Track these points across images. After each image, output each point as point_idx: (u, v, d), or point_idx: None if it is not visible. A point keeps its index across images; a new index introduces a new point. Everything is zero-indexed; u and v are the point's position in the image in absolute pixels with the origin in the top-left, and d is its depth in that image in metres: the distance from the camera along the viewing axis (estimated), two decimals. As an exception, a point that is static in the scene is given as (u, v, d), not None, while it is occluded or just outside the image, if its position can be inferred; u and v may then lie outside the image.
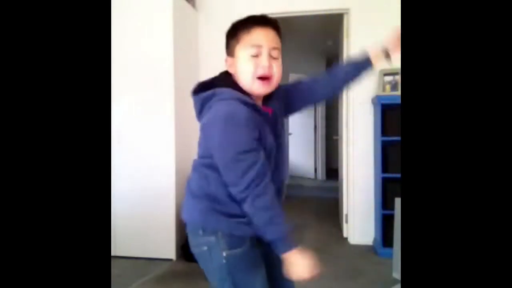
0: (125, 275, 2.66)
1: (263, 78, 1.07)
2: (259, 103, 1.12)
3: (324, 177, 7.06)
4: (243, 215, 1.06)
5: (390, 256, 2.29)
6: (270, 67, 1.06)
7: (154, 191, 2.95)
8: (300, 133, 6.80)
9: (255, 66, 1.06)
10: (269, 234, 1.01)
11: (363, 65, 1.23)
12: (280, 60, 1.10)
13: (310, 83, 1.25)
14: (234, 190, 1.02)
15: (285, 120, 1.21)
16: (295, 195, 5.41)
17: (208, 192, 1.10)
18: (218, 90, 1.07)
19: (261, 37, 1.06)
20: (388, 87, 3.15)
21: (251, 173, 0.99)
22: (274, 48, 1.07)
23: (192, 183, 1.16)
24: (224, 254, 1.08)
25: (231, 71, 1.12)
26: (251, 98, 1.07)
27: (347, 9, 3.35)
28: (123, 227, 2.99)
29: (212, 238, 1.09)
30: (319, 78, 1.26)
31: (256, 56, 1.06)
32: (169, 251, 2.97)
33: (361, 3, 3.30)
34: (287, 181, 1.37)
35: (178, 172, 2.96)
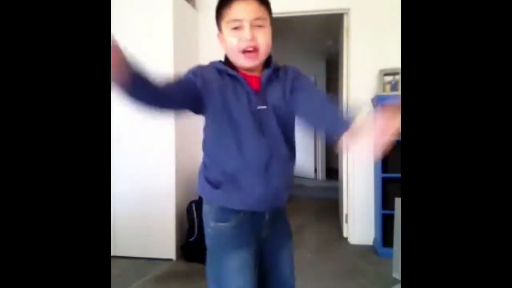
0: (125, 275, 2.66)
1: (247, 51, 1.06)
2: (255, 73, 1.11)
3: (324, 177, 7.06)
4: (224, 185, 1.08)
5: (390, 256, 2.29)
6: (253, 39, 1.05)
7: (154, 191, 2.95)
8: (300, 133, 6.82)
9: (238, 40, 1.05)
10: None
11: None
12: (267, 27, 1.08)
13: (306, 104, 1.09)
14: None
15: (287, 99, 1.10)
16: (295, 195, 5.41)
17: (204, 167, 1.15)
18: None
19: (241, 10, 1.04)
20: (388, 87, 3.15)
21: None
22: (257, 19, 1.05)
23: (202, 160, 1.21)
24: (211, 224, 1.12)
25: (222, 47, 1.13)
26: (236, 70, 1.09)
27: (347, 9, 3.35)
28: (123, 227, 2.98)
29: (207, 207, 1.14)
30: (314, 107, 1.08)
31: (238, 28, 1.05)
32: (169, 251, 2.97)
33: (361, 3, 3.30)
34: (288, 164, 1.17)
35: (178, 172, 2.96)
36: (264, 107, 1.08)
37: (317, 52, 6.80)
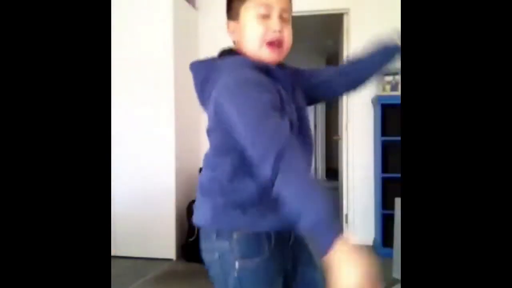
0: (125, 275, 2.66)
1: (273, 44, 0.91)
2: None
3: (324, 177, 7.06)
4: (259, 202, 0.87)
5: (390, 256, 2.29)
6: (282, 31, 0.91)
7: (154, 191, 2.95)
8: (300, 133, 6.81)
9: (265, 29, 0.90)
10: (306, 217, 0.71)
11: (390, 50, 1.10)
12: (289, 23, 0.95)
13: (332, 75, 1.10)
14: (264, 168, 0.77)
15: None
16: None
17: (220, 184, 0.91)
18: (219, 57, 0.94)
19: None
20: (388, 87, 3.15)
21: (280, 138, 0.76)
22: (286, 10, 0.92)
23: (203, 179, 0.96)
24: (237, 265, 0.88)
25: (233, 38, 0.97)
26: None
27: (347, 9, 3.36)
28: (123, 227, 2.99)
29: (226, 244, 0.89)
30: (342, 70, 1.13)
31: (265, 16, 0.90)
32: (169, 251, 2.97)
33: (361, 3, 3.31)
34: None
35: (178, 172, 2.96)
36: (300, 108, 0.95)
37: (317, 52, 6.80)
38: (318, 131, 7.16)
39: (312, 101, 1.08)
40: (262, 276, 0.89)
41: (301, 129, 0.92)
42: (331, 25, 4.24)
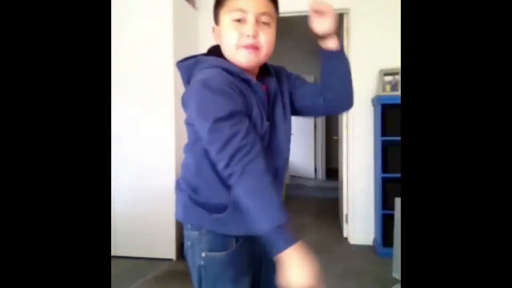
0: (125, 275, 2.66)
1: (248, 48, 0.91)
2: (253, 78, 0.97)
3: (324, 177, 7.06)
4: (225, 206, 0.91)
5: (390, 256, 2.29)
6: (256, 36, 0.90)
7: (154, 191, 2.95)
8: (300, 133, 6.81)
9: (239, 34, 0.90)
10: (260, 224, 0.78)
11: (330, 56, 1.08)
12: (273, 26, 0.94)
13: (315, 100, 1.11)
14: (219, 168, 0.85)
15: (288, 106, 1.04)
16: (295, 195, 5.41)
17: (189, 181, 0.98)
18: (201, 57, 0.96)
19: (247, 0, 0.90)
20: (388, 87, 3.15)
21: (233, 144, 0.81)
22: (265, 14, 0.91)
23: (181, 174, 1.04)
24: (203, 255, 0.95)
25: (217, 41, 0.98)
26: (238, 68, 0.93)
27: (347, 9, 3.35)
28: (123, 227, 2.99)
29: (196, 234, 0.97)
30: (323, 95, 1.13)
31: (240, 21, 0.90)
32: (169, 251, 2.97)
33: (361, 3, 3.30)
34: (286, 171, 1.14)
35: (178, 172, 2.96)
36: (271, 122, 0.96)
37: (317, 52, 6.79)
38: (318, 131, 7.15)
39: (296, 109, 1.11)
40: (226, 269, 0.94)
41: (270, 144, 0.96)
42: (331, 25, 4.24)
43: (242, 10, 0.90)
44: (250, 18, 0.90)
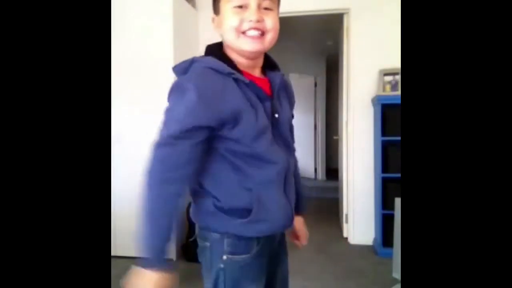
0: (125, 275, 2.66)
1: (252, 33, 0.89)
2: (256, 71, 0.96)
3: (324, 177, 7.06)
4: (250, 210, 0.90)
5: (390, 256, 2.29)
6: (260, 21, 0.88)
7: (154, 191, 2.94)
8: (300, 133, 6.82)
9: (240, 19, 0.88)
10: (139, 238, 0.94)
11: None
12: (276, 11, 0.92)
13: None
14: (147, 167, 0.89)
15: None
16: (295, 195, 5.40)
17: (209, 189, 0.94)
18: (195, 58, 0.93)
19: None
20: (388, 87, 3.15)
21: (164, 166, 0.86)
22: None
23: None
24: (224, 257, 0.92)
25: (218, 31, 0.96)
26: (235, 67, 0.90)
27: (347, 9, 3.35)
28: (123, 227, 2.98)
29: (217, 236, 0.93)
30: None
31: (242, 7, 0.88)
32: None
33: (361, 3, 3.30)
34: (297, 165, 1.06)
35: (178, 172, 2.96)
36: (277, 115, 0.95)
37: (317, 52, 6.80)
38: (318, 131, 7.16)
39: None
40: (247, 272, 0.93)
41: (275, 132, 0.94)
42: (331, 25, 4.24)
43: None
44: (252, 4, 0.88)
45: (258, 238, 0.94)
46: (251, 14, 0.88)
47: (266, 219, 0.91)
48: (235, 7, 0.89)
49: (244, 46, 0.90)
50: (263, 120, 0.90)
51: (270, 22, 0.90)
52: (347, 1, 3.34)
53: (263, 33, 0.90)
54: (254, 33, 0.89)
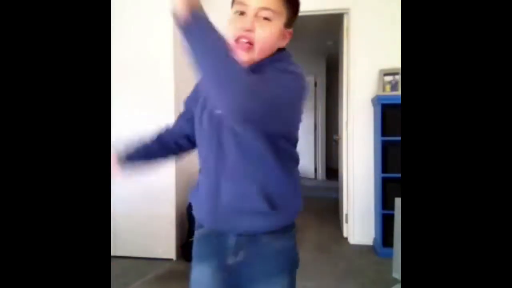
0: (125, 275, 2.66)
1: (240, 43, 0.89)
2: None
3: (324, 177, 7.07)
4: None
5: (390, 256, 2.29)
6: (250, 30, 0.88)
7: (154, 191, 2.95)
8: (300, 133, 6.82)
9: (235, 28, 0.89)
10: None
11: None
12: (275, 23, 0.90)
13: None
14: None
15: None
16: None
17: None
18: None
19: None
20: (388, 87, 3.15)
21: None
22: (266, 9, 0.88)
23: None
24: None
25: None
26: None
27: (347, 9, 3.36)
28: (123, 227, 2.99)
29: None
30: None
31: (241, 14, 0.89)
32: (169, 251, 2.97)
33: (361, 3, 3.31)
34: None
35: (178, 172, 2.96)
36: (219, 111, 0.91)
37: (317, 52, 6.80)
38: (318, 131, 7.16)
39: None
40: (194, 246, 1.07)
41: (214, 139, 0.95)
42: (331, 25, 4.25)
43: (241, 3, 0.89)
44: (251, 12, 0.88)
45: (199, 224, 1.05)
46: (244, 21, 0.88)
47: (195, 204, 1.05)
48: (236, 13, 0.90)
49: (238, 57, 0.88)
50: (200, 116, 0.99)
51: (261, 33, 0.88)
52: (347, 1, 3.34)
53: (252, 44, 0.89)
54: (242, 41, 0.89)
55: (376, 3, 3.27)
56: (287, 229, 0.99)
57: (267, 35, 0.89)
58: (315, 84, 7.07)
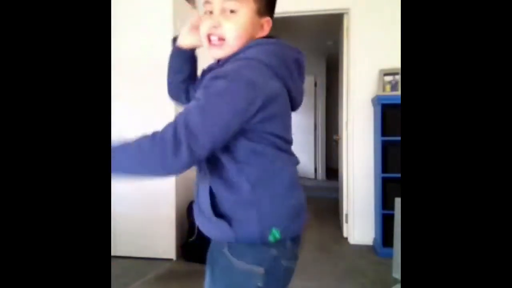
0: (125, 275, 2.66)
1: (211, 40, 0.88)
2: None
3: (324, 177, 7.07)
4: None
5: (390, 256, 2.29)
6: (217, 26, 0.86)
7: (154, 191, 2.95)
8: (300, 133, 6.82)
9: (205, 26, 0.88)
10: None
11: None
12: (242, 14, 0.86)
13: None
14: None
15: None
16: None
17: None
18: None
19: None
20: (388, 87, 3.15)
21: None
22: (229, 0, 0.85)
23: None
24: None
25: None
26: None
27: (347, 9, 3.36)
28: (123, 227, 2.99)
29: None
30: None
31: (210, 13, 0.88)
32: (169, 251, 2.97)
33: (361, 3, 3.31)
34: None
35: (178, 172, 2.96)
36: None
37: (317, 52, 6.80)
38: (318, 131, 7.16)
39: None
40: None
41: None
42: (331, 25, 4.25)
43: (208, 2, 0.88)
44: (217, 8, 0.86)
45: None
46: (212, 19, 0.87)
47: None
48: (206, 13, 0.89)
49: (209, 53, 0.90)
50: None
51: (229, 27, 0.86)
52: (347, 1, 3.34)
53: (223, 39, 0.87)
54: (213, 38, 0.88)
55: (376, 3, 3.27)
56: (246, 248, 0.84)
57: (235, 26, 0.86)
58: (315, 84, 7.07)
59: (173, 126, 0.77)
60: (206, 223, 0.87)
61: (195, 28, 0.95)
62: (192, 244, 2.92)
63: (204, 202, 0.87)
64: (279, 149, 0.89)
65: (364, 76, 3.28)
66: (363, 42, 3.31)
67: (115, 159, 0.77)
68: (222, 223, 0.83)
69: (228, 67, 0.83)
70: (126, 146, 0.80)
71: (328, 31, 4.98)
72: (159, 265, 2.84)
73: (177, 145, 0.74)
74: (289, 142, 0.94)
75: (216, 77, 0.80)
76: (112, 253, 2.94)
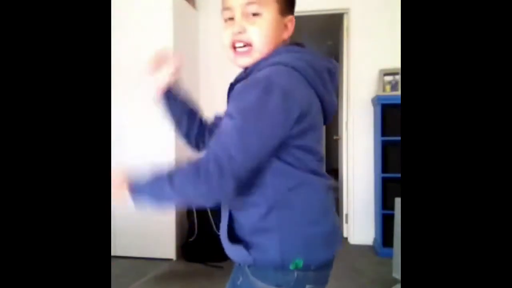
0: (125, 275, 2.66)
1: (236, 47, 0.83)
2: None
3: (324, 177, 7.05)
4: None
5: (390, 256, 2.29)
6: (242, 32, 0.81)
7: (154, 191, 2.95)
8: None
9: (229, 34, 0.83)
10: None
11: None
12: (266, 15, 0.81)
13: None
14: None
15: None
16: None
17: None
18: None
19: None
20: (388, 87, 3.15)
21: None
22: (250, 3, 0.80)
23: None
24: None
25: None
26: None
27: (347, 9, 3.36)
28: (123, 227, 2.99)
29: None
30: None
31: (231, 20, 0.83)
32: (169, 251, 2.97)
33: (361, 3, 3.31)
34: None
35: (178, 172, 2.96)
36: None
37: (317, 52, 6.79)
38: (318, 131, 7.15)
39: None
40: None
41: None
42: (331, 25, 4.24)
43: (228, 8, 0.83)
44: (238, 14, 0.81)
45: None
46: (236, 25, 0.82)
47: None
48: (226, 19, 0.84)
49: (235, 63, 0.85)
50: None
51: (255, 31, 0.81)
52: (347, 1, 3.34)
53: (250, 45, 0.82)
54: (239, 45, 0.83)
55: (376, 3, 3.27)
56: (267, 270, 0.80)
57: (261, 30, 0.81)
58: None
59: (214, 154, 0.72)
60: (226, 245, 0.84)
61: (157, 63, 0.94)
62: (192, 244, 2.92)
63: (223, 226, 0.84)
64: (308, 168, 0.81)
65: (364, 76, 3.28)
66: (363, 42, 3.31)
67: (175, 189, 0.76)
68: (239, 248, 0.80)
69: (258, 74, 0.77)
70: (180, 177, 0.76)
71: (328, 31, 4.97)
72: (159, 265, 2.84)
73: (222, 176, 0.71)
74: (320, 159, 0.85)
75: (247, 89, 0.75)
76: (112, 253, 2.95)
